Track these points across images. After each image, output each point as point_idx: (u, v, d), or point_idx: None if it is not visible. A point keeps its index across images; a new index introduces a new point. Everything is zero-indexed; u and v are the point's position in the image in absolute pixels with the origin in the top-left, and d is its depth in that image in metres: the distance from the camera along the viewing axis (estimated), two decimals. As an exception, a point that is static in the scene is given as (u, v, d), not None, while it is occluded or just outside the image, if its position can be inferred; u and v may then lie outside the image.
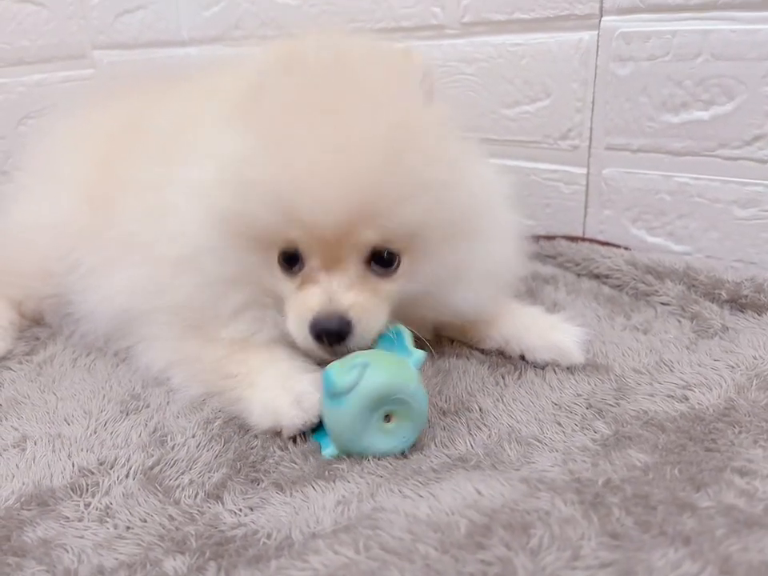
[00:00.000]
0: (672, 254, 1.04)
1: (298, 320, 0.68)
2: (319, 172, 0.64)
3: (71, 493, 0.65)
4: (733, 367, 0.75)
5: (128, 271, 0.82)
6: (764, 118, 0.89)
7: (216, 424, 0.74)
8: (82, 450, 0.71)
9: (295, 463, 0.66)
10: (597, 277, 1.04)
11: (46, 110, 1.36)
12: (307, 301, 0.67)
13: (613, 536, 0.47)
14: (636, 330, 0.90)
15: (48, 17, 1.33)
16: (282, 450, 0.68)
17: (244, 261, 0.71)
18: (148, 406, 0.79)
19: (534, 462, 0.63)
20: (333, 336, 0.66)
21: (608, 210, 1.09)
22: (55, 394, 0.83)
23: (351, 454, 0.64)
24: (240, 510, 0.61)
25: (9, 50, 1.29)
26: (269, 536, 0.56)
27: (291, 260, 0.70)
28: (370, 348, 0.69)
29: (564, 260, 1.09)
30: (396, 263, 0.70)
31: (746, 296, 0.90)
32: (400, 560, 0.45)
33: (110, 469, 0.68)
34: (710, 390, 0.71)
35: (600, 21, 0.98)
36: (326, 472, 0.63)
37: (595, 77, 1.01)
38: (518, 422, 0.71)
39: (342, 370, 0.62)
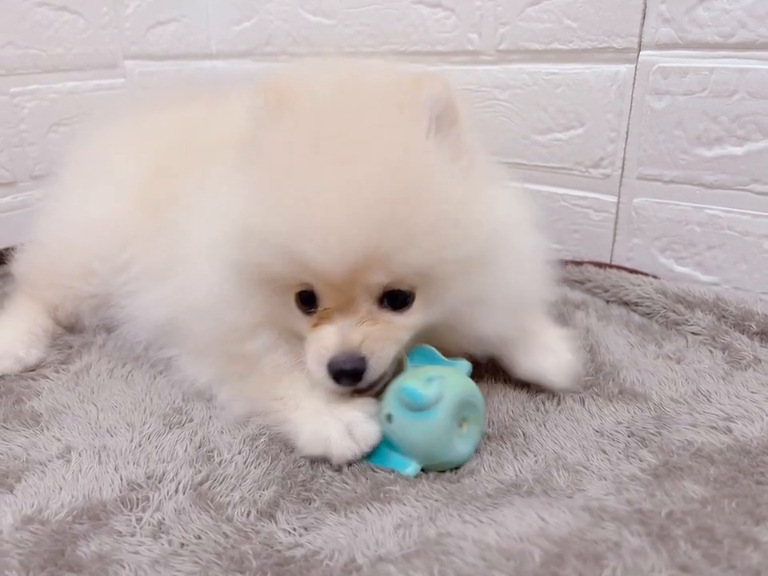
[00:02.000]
0: (699, 284, 1.05)
1: (315, 358, 0.68)
2: (321, 221, 0.62)
3: (122, 507, 0.65)
4: (771, 400, 0.76)
5: (174, 281, 0.83)
6: (798, 156, 0.91)
7: (261, 440, 0.74)
8: (128, 462, 0.71)
9: (347, 484, 0.66)
10: (626, 304, 1.06)
11: (77, 118, 1.37)
12: (322, 340, 0.68)
13: (683, 569, 0.48)
14: (669, 358, 0.91)
15: (84, 26, 1.34)
16: (333, 471, 0.68)
17: (263, 306, 0.71)
18: (191, 420, 0.79)
19: (584, 490, 0.63)
20: (349, 376, 0.67)
21: (637, 238, 1.11)
22: (95, 405, 0.83)
23: (435, 467, 0.66)
24: (294, 529, 0.62)
25: (44, 56, 1.29)
26: (331, 557, 0.56)
27: (308, 300, 0.70)
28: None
29: (592, 286, 1.11)
30: (410, 300, 0.70)
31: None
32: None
33: (159, 483, 0.68)
34: (752, 422, 0.72)
35: (638, 55, 1.00)
36: (381, 494, 0.63)
37: (630, 109, 1.03)
38: (562, 449, 0.72)
39: (419, 384, 0.63)
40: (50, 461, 0.72)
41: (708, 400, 0.79)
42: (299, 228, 0.63)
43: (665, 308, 1.01)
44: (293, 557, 0.57)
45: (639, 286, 1.06)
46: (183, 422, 0.79)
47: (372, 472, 0.68)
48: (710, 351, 0.92)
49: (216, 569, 0.57)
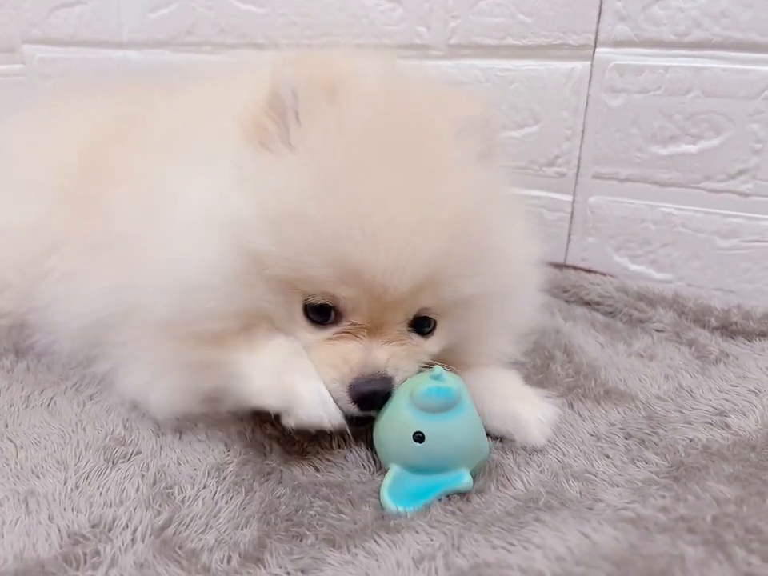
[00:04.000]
0: (654, 281, 1.06)
1: (334, 374, 0.60)
2: (396, 231, 0.57)
3: (65, 566, 0.52)
4: (756, 392, 0.76)
5: (105, 272, 0.71)
6: (749, 154, 0.94)
7: (229, 469, 0.64)
8: (65, 509, 0.58)
9: (344, 514, 0.57)
10: (587, 304, 1.04)
11: (-35, 107, 1.17)
12: (346, 357, 0.61)
13: (750, 578, 0.44)
14: (641, 356, 0.89)
15: (-27, 2, 1.16)
16: (323, 500, 0.59)
17: (262, 301, 0.62)
18: (138, 452, 0.66)
19: (602, 499, 0.58)
20: (372, 400, 0.60)
21: (592, 237, 1.10)
22: (12, 441, 0.68)
23: (477, 468, 0.61)
24: (288, 573, 0.52)
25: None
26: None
27: (321, 311, 0.62)
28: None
29: (551, 286, 1.08)
30: (434, 326, 0.66)
31: (736, 323, 0.94)
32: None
33: (109, 532, 0.56)
34: (746, 416, 0.71)
35: (594, 52, 0.99)
36: (390, 522, 0.55)
37: (586, 106, 1.02)
38: (565, 456, 0.67)
39: (434, 382, 0.57)
40: (12, 508, 0.57)
41: (692, 396, 0.77)
42: (367, 234, 0.56)
43: (627, 306, 1.00)
44: (297, 606, 0.48)
45: (599, 285, 1.04)
46: (129, 455, 0.66)
47: (372, 498, 0.59)
48: (677, 347, 0.92)
49: (201, 634, 0.46)
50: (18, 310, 0.85)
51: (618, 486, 0.61)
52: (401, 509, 0.57)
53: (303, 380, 0.58)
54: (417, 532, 0.54)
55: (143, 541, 0.55)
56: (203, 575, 0.51)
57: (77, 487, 0.61)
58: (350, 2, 1.16)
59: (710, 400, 0.76)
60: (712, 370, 0.84)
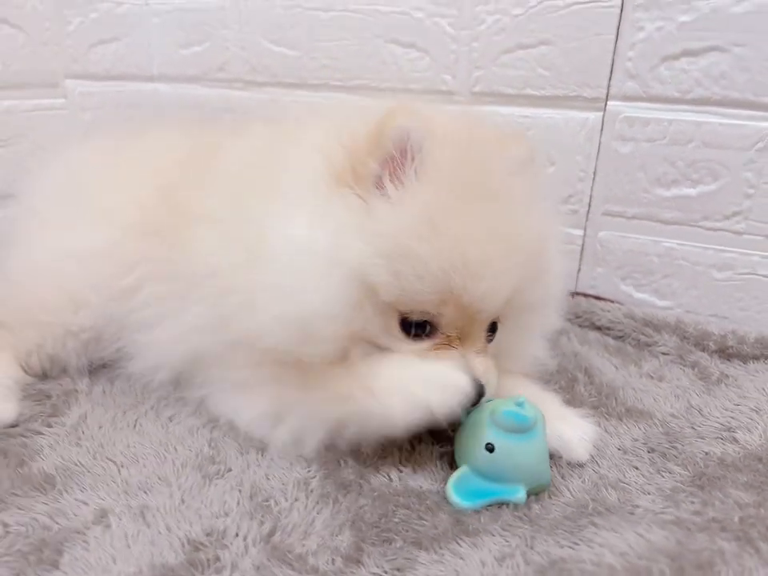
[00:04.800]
0: (656, 308, 1.18)
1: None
2: (491, 263, 0.68)
3: (193, 570, 0.60)
4: (757, 410, 0.87)
5: (198, 308, 0.79)
6: (742, 198, 1.06)
7: (314, 484, 0.72)
8: (179, 521, 0.66)
9: (425, 520, 0.66)
10: (599, 329, 1.16)
11: (13, 140, 1.24)
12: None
13: (776, 567, 0.54)
14: (651, 377, 1.01)
15: (24, 41, 1.22)
16: (404, 508, 0.68)
17: (367, 321, 0.71)
18: (230, 470, 0.75)
19: (639, 505, 0.69)
20: (474, 402, 0.70)
21: (600, 267, 1.22)
22: (113, 461, 0.75)
23: (534, 489, 0.69)
24: (386, 572, 0.61)
25: (-20, 73, 1.17)
26: (446, 596, 0.56)
27: (418, 326, 0.72)
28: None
29: (565, 312, 1.19)
30: (495, 330, 0.78)
31: (732, 347, 1.06)
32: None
33: (223, 539, 0.64)
34: (750, 431, 0.82)
35: (606, 104, 1.11)
36: (470, 527, 0.64)
37: (598, 152, 1.14)
38: (600, 467, 0.77)
39: (515, 407, 0.67)
40: (87, 528, 0.65)
41: (701, 414, 0.89)
42: (467, 265, 0.67)
43: (635, 331, 1.12)
44: (402, 600, 0.57)
45: (609, 311, 1.16)
46: (222, 472, 0.74)
47: (446, 506, 0.68)
48: (682, 369, 1.03)
49: (324, 625, 0.55)
50: (95, 326, 0.91)
51: (649, 494, 0.72)
52: (459, 501, 0.67)
53: (449, 369, 0.69)
54: (492, 535, 0.63)
55: (255, 546, 0.63)
56: (314, 575, 0.60)
57: (183, 501, 0.69)
58: (379, 50, 1.26)
59: (718, 417, 0.87)
60: (715, 390, 0.95)
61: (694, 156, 1.08)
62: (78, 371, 0.94)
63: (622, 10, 1.05)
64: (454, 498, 0.67)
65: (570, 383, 0.97)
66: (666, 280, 1.17)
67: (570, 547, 0.59)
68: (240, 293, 0.74)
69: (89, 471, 0.74)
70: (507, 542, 0.62)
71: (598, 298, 1.21)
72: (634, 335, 1.12)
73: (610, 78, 1.10)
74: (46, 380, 0.93)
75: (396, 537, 0.65)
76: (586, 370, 1.01)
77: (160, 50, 1.51)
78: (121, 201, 0.94)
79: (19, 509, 0.67)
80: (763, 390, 0.92)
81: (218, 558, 0.62)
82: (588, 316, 1.17)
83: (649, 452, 0.81)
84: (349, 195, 0.72)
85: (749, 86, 1.01)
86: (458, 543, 0.63)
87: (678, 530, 0.59)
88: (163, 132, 1.05)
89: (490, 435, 0.68)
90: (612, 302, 1.20)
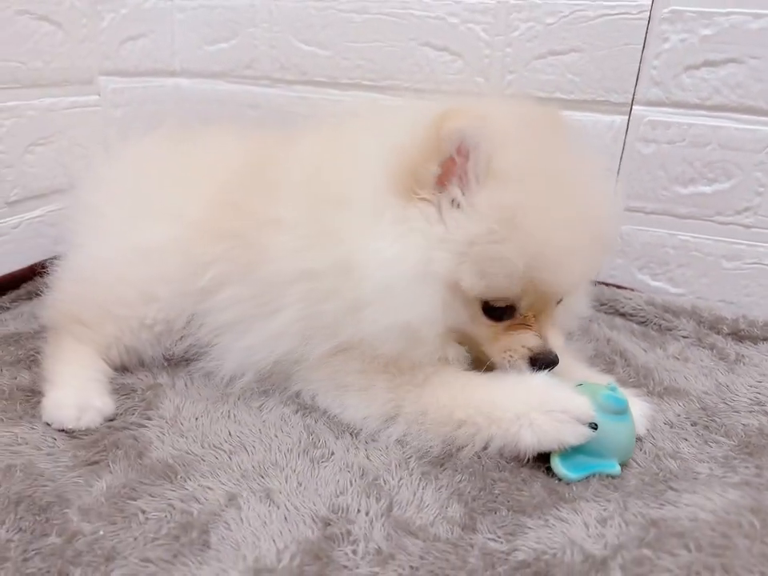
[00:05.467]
0: (671, 295, 1.29)
1: (516, 356, 0.79)
2: (573, 251, 0.76)
3: (332, 543, 0.67)
4: (778, 386, 0.99)
5: (289, 313, 0.84)
6: (753, 195, 1.18)
7: (412, 463, 0.80)
8: (303, 501, 0.72)
9: (523, 491, 0.75)
10: (623, 315, 1.26)
11: (53, 138, 1.25)
12: (524, 341, 0.80)
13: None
14: (677, 359, 1.12)
15: (63, 38, 1.23)
16: (501, 481, 0.76)
17: (455, 318, 0.79)
18: (333, 453, 0.81)
19: (699, 472, 0.79)
20: (548, 367, 0.79)
21: (620, 258, 1.32)
22: (221, 449, 0.81)
23: (623, 463, 0.78)
24: (499, 537, 0.69)
25: (23, 69, 1.17)
26: (563, 554, 0.64)
27: (498, 311, 0.79)
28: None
29: (591, 300, 1.30)
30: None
31: (743, 329, 1.18)
32: (728, 551, 0.59)
33: (347, 515, 0.71)
34: (777, 405, 0.94)
35: (631, 109, 1.21)
36: (565, 495, 0.73)
37: (623, 152, 1.24)
38: (655, 440, 0.87)
39: (613, 391, 0.76)
40: (222, 510, 0.70)
41: (730, 390, 1.00)
42: (559, 263, 0.74)
43: (656, 317, 1.23)
44: (524, 560, 0.65)
45: (631, 299, 1.26)
46: (326, 456, 0.81)
47: (537, 478, 0.77)
48: (702, 351, 1.15)
49: (466, 583, 0.63)
50: (167, 318, 0.96)
51: (705, 462, 0.82)
52: (566, 474, 0.75)
53: (570, 395, 0.77)
54: (588, 501, 0.72)
55: (378, 521, 0.70)
56: (440, 543, 0.68)
57: (300, 484, 0.75)
58: (413, 52, 1.32)
59: (746, 393, 0.98)
60: (736, 369, 1.07)
61: (711, 157, 1.18)
62: (156, 366, 0.98)
63: (649, 22, 1.14)
64: (562, 470, 0.75)
65: (610, 366, 1.07)
66: (680, 269, 1.28)
67: (659, 508, 0.69)
68: (338, 301, 0.79)
69: (203, 459, 0.79)
70: (603, 506, 0.71)
71: (618, 286, 1.32)
72: (655, 320, 1.23)
73: (635, 85, 1.19)
74: (125, 374, 0.97)
75: (501, 506, 0.73)
76: (621, 353, 1.11)
77: (183, 46, 1.52)
78: (183, 198, 0.98)
79: (151, 496, 0.72)
80: (780, 368, 1.05)
81: (349, 532, 0.68)
82: (612, 303, 1.27)
83: (692, 425, 0.91)
84: (420, 203, 0.77)
85: (762, 95, 1.12)
86: (558, 509, 0.71)
87: (748, 489, 0.70)
88: (219, 133, 1.09)
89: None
90: (632, 290, 1.30)
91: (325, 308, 0.81)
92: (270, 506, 0.71)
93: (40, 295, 1.20)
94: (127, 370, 0.97)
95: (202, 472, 0.76)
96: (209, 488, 0.74)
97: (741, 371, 1.06)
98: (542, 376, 0.78)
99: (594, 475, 0.77)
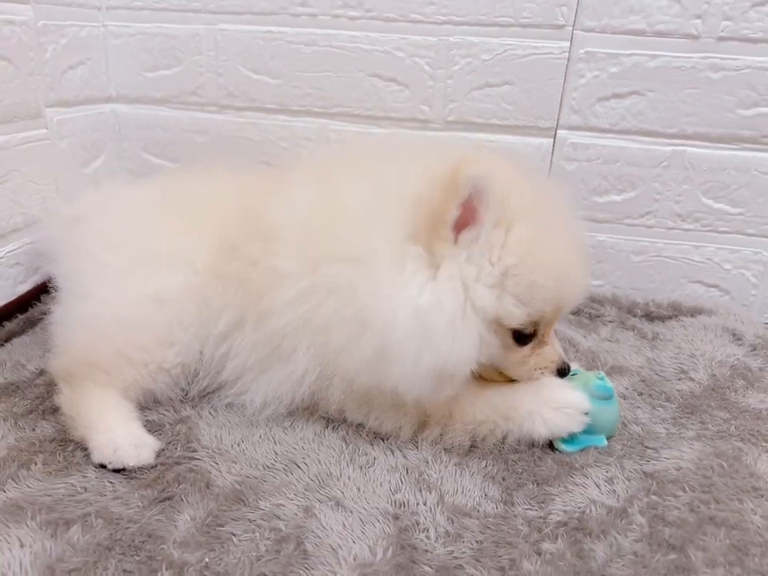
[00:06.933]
0: (593, 286, 1.53)
1: (547, 371, 0.94)
2: (583, 269, 0.92)
3: (410, 534, 0.78)
4: (692, 356, 1.24)
5: (307, 358, 0.92)
6: (652, 202, 1.44)
7: (444, 457, 0.92)
8: (368, 502, 0.83)
9: (540, 467, 0.91)
10: (559, 307, 1.48)
11: (7, 177, 1.20)
12: (550, 357, 0.95)
13: (768, 452, 0.89)
14: (610, 341, 1.35)
15: (13, 73, 1.18)
16: (520, 461, 0.92)
17: (489, 351, 0.88)
18: (375, 458, 0.91)
19: (659, 432, 1.00)
20: (568, 373, 0.96)
21: (550, 259, 1.54)
22: (274, 468, 0.88)
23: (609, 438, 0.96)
24: (533, 506, 0.85)
25: (-25, 110, 1.12)
26: (594, 510, 0.81)
27: (527, 335, 0.92)
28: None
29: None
30: None
31: (653, 311, 1.44)
32: (712, 488, 0.79)
33: (409, 508, 0.82)
34: (697, 371, 1.19)
35: (555, 133, 1.41)
36: (575, 464, 0.90)
37: (550, 169, 1.44)
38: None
39: (602, 381, 0.93)
40: (304, 522, 0.78)
41: (657, 363, 1.24)
42: (572, 280, 0.89)
43: (586, 306, 1.45)
44: (560, 521, 0.81)
45: (564, 293, 1.49)
46: (371, 462, 0.91)
47: (548, 455, 0.93)
48: (626, 332, 1.40)
49: (523, 546, 0.77)
50: (184, 362, 0.99)
51: (659, 424, 1.03)
52: (565, 448, 0.93)
53: (570, 391, 0.93)
54: (592, 467, 0.90)
55: (437, 508, 0.82)
56: (490, 518, 0.81)
57: (358, 489, 0.85)
58: (361, 82, 1.43)
59: (670, 364, 1.22)
60: (656, 345, 1.32)
61: (620, 172, 1.43)
62: (173, 401, 1.02)
63: (568, 61, 1.36)
64: (562, 446, 0.93)
65: (565, 352, 1.27)
66: (599, 265, 1.52)
67: (647, 463, 0.89)
68: (355, 353, 0.85)
69: (263, 480, 0.86)
70: (605, 470, 0.89)
71: (550, 282, 1.54)
72: (585, 310, 1.46)
73: (559, 112, 1.40)
74: (144, 411, 0.99)
75: (527, 481, 0.89)
76: (569, 341, 1.32)
77: (119, 72, 1.50)
78: (187, 244, 1.01)
79: (235, 520, 0.79)
80: (690, 340, 1.31)
81: (417, 522, 0.80)
82: (549, 298, 1.49)
83: (639, 395, 1.13)
84: (443, 247, 0.84)
85: (658, 121, 1.37)
86: (572, 477, 0.88)
87: (706, 441, 0.92)
88: (208, 172, 1.12)
89: None
90: (561, 285, 1.52)
91: (340, 359, 0.88)
92: (342, 511, 0.81)
93: (11, 341, 1.18)
94: (146, 408, 1.00)
95: (268, 491, 0.84)
96: (282, 505, 0.82)
97: (660, 347, 1.31)
98: (549, 378, 0.94)
99: (587, 447, 0.95)
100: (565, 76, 1.37)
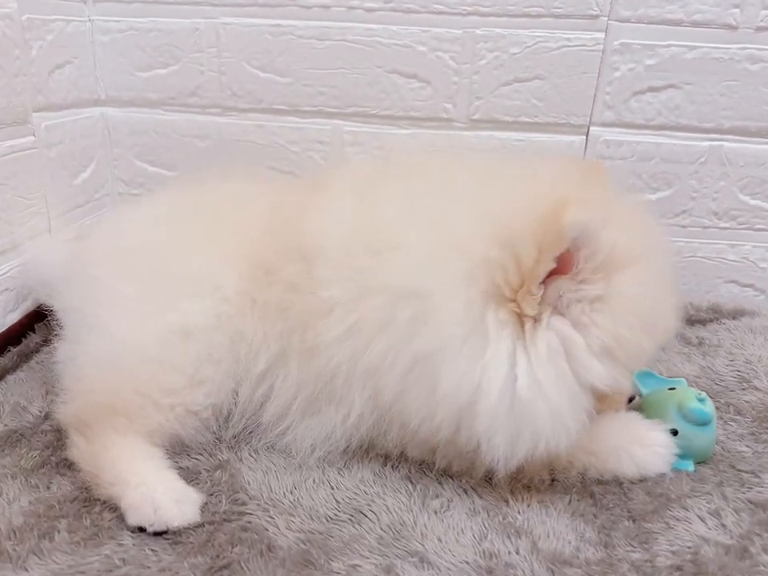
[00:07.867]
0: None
1: (623, 407, 0.89)
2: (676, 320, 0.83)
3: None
4: (749, 362, 1.18)
5: (362, 400, 0.81)
6: (688, 200, 1.37)
7: (523, 494, 0.83)
8: (454, 555, 0.72)
9: (632, 499, 0.81)
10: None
11: (-5, 191, 1.06)
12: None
13: None
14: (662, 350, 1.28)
15: (-2, 74, 1.04)
16: (610, 494, 0.82)
17: (585, 413, 0.77)
18: (450, 500, 0.81)
19: (743, 451, 0.93)
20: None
21: (580, 263, 1.46)
22: (339, 520, 0.77)
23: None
24: (635, 547, 0.75)
25: (-42, 116, 0.97)
26: (708, 549, 0.73)
27: None
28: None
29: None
30: None
31: (692, 315, 1.37)
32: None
33: (499, 558, 0.72)
34: (759, 379, 1.12)
35: (588, 130, 1.33)
36: (670, 495, 0.81)
37: (582, 168, 1.36)
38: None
39: (698, 404, 0.85)
40: (417, 569, 0.68)
41: (716, 372, 1.15)
42: (669, 331, 0.81)
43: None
44: (672, 564, 0.72)
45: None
46: (446, 505, 0.80)
47: (633, 485, 0.84)
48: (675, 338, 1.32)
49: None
50: (215, 403, 0.87)
51: (739, 441, 0.95)
52: None
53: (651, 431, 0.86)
54: (690, 497, 0.81)
55: (532, 556, 0.72)
56: (594, 566, 0.72)
57: (439, 539, 0.74)
58: (379, 79, 1.32)
59: (728, 373, 1.15)
60: (707, 351, 1.25)
61: (655, 169, 1.36)
62: (206, 444, 0.89)
63: (602, 54, 1.28)
64: None
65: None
66: (631, 268, 1.45)
67: (750, 490, 0.81)
68: (430, 412, 0.74)
69: (330, 536, 0.75)
70: (705, 500, 0.81)
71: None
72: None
73: (592, 108, 1.32)
74: (174, 457, 0.87)
75: (621, 518, 0.79)
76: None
77: (109, 72, 1.36)
78: (213, 266, 0.88)
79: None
80: (740, 345, 1.24)
81: (510, 564, 0.70)
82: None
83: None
84: (533, 306, 0.70)
85: (695, 115, 1.31)
86: (669, 510, 0.80)
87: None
88: (228, 184, 0.99)
89: (673, 423, 0.85)
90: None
91: (396, 407, 0.78)
92: (429, 569, 0.70)
93: (5, 378, 1.04)
94: (175, 453, 0.87)
95: (338, 549, 0.73)
96: (358, 566, 0.70)
97: (711, 353, 1.23)
98: (630, 414, 0.87)
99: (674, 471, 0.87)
100: (599, 69, 1.29)
